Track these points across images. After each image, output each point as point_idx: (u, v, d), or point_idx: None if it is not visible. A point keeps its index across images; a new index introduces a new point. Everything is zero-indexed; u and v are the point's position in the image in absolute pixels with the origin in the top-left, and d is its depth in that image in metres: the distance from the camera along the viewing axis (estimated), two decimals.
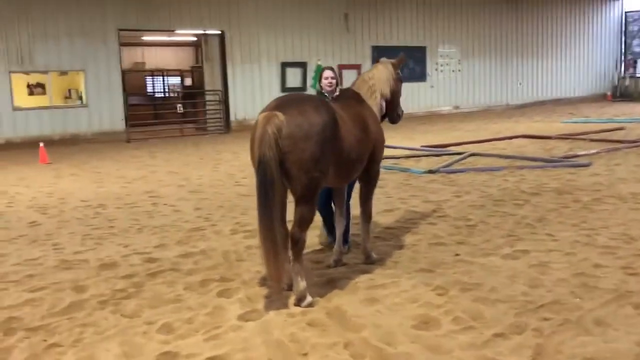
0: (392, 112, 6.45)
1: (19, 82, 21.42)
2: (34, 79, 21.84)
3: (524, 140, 16.69)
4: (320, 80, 6.45)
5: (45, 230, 7.96)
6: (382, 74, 6.20)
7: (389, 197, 9.53)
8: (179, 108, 22.90)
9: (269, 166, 4.69)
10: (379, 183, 10.84)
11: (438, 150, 15.10)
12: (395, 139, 18.36)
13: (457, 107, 29.92)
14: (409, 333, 4.37)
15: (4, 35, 19.05)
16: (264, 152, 4.69)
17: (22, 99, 21.13)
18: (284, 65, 24.46)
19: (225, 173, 12.82)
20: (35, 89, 22.81)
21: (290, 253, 5.02)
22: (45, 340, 4.42)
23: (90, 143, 20.17)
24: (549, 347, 4.04)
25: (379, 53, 26.89)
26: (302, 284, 4.94)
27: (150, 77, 35.75)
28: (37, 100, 21.22)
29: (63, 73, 21.64)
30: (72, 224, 8.33)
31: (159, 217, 8.55)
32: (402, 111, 6.60)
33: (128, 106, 21.69)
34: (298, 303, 4.94)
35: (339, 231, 6.05)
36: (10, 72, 19.31)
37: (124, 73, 33.81)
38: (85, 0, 20.22)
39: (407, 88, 27.95)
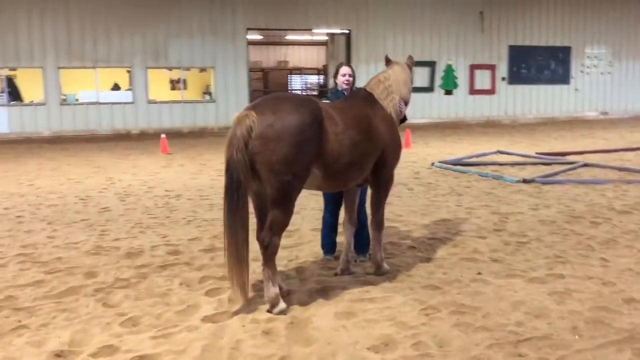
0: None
1: (162, 78, 23.13)
2: (176, 75, 23.46)
3: None
4: (336, 77, 6.19)
5: (108, 216, 8.44)
6: (399, 75, 5.80)
7: (458, 205, 8.95)
8: None
9: (236, 169, 4.54)
10: (461, 190, 10.28)
11: (550, 158, 13.92)
12: (521, 145, 17.30)
13: (605, 113, 27.52)
14: (356, 355, 4.01)
15: (142, 34, 20.60)
16: (231, 154, 4.55)
17: (164, 93, 22.78)
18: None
19: None
20: (177, 84, 24.53)
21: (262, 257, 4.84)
22: (19, 321, 4.63)
23: (215, 136, 21.19)
24: None
25: (516, 53, 25.54)
26: (272, 290, 4.74)
27: (292, 75, 36.96)
28: (176, 95, 22.77)
29: (202, 70, 23.01)
30: (136, 212, 8.75)
31: (218, 211, 8.71)
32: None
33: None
34: (270, 309, 4.76)
35: (346, 238, 5.75)
36: (147, 67, 20.80)
37: (265, 71, 35.25)
38: (216, 1, 21.26)
39: (547, 91, 26.45)
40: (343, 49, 23.28)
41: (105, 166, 14.23)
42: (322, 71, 33.23)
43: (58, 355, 4.05)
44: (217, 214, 8.53)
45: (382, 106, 5.57)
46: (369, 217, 5.81)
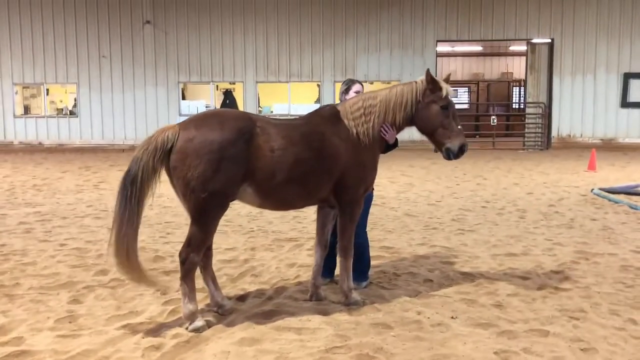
0: (437, 143, 5.21)
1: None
2: (372, 88, 24.12)
3: None
4: (347, 93, 5.84)
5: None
6: (393, 96, 5.16)
7: (548, 239, 7.87)
8: (493, 120, 22.04)
9: (135, 164, 4.49)
10: (583, 222, 8.85)
11: None
12: None
13: None
14: None
15: (332, 50, 21.45)
16: (137, 152, 4.55)
17: None
18: (627, 77, 21.19)
19: (437, 190, 12.22)
20: None
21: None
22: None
23: (398, 150, 21.10)
24: None
25: None
26: (188, 306, 4.69)
27: (514, 87, 35.17)
28: None
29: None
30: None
31: (281, 224, 8.77)
32: (463, 145, 5.09)
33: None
34: (187, 326, 4.75)
35: (315, 262, 5.46)
36: (335, 81, 21.61)
37: (487, 83, 34.05)
38: (407, 16, 21.22)
39: None
40: (544, 59, 21.48)
41: None
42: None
43: None
44: (284, 226, 8.62)
45: (345, 125, 5.13)
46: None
